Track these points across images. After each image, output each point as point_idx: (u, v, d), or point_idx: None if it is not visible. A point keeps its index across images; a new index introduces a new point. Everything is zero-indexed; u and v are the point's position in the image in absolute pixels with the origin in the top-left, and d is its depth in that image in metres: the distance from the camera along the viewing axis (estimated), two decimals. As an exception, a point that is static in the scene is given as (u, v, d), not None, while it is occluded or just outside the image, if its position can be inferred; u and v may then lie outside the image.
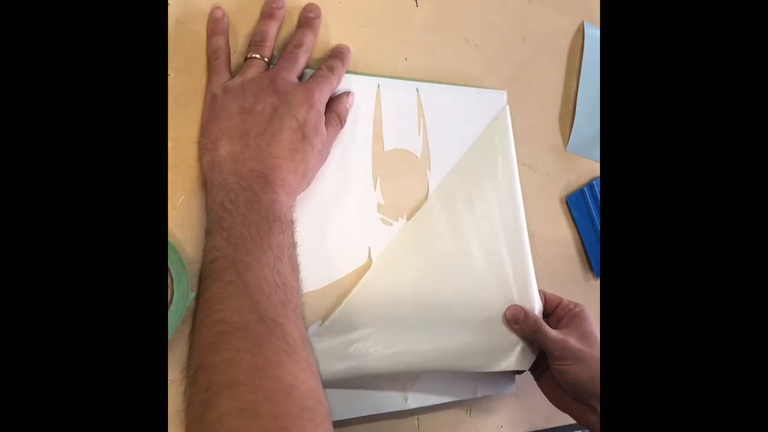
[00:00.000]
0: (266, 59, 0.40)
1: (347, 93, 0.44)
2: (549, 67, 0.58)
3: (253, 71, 0.39)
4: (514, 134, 0.53)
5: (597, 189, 0.58)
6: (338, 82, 0.43)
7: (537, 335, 0.45)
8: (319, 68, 0.42)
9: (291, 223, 0.37)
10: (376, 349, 0.43)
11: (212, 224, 0.35)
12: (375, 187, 0.46)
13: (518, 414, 0.53)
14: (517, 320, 0.46)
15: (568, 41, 0.60)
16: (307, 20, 0.43)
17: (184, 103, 0.41)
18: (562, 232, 0.57)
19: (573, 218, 0.57)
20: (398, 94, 0.48)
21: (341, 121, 0.43)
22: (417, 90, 0.49)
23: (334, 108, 0.42)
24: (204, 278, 0.34)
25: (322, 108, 0.41)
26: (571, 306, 0.48)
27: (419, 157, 0.48)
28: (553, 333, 0.45)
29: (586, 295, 0.58)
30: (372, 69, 0.49)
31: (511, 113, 0.53)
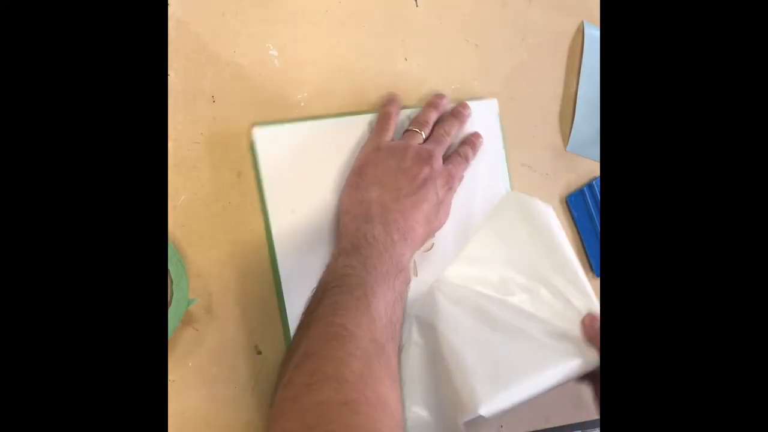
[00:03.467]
0: (424, 136, 0.46)
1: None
2: (549, 67, 0.58)
3: (414, 141, 0.45)
4: (513, 135, 0.53)
5: (597, 189, 0.58)
6: (468, 167, 0.49)
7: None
8: (457, 153, 0.48)
9: (409, 279, 0.41)
10: None
11: (351, 246, 0.39)
12: None
13: (518, 414, 0.53)
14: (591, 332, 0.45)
15: (568, 41, 0.60)
16: (458, 114, 0.49)
17: (184, 103, 0.41)
18: (562, 232, 0.57)
19: (573, 218, 0.57)
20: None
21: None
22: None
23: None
24: (332, 286, 0.37)
25: (455, 190, 0.47)
26: None
27: None
28: None
29: (586, 295, 0.58)
30: (372, 69, 0.49)
31: (510, 113, 0.53)
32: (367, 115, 0.47)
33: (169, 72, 0.40)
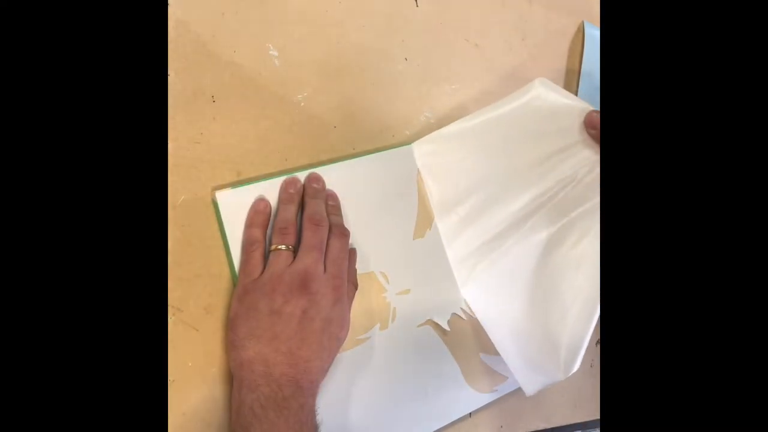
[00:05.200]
0: (291, 246, 0.40)
1: (354, 254, 0.44)
2: (549, 67, 0.58)
3: (281, 265, 0.39)
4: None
5: (597, 189, 0.58)
6: (348, 237, 0.43)
7: None
8: (331, 232, 0.42)
9: (316, 427, 0.38)
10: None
11: (240, 429, 0.36)
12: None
13: (518, 414, 0.53)
14: (594, 125, 0.42)
15: (568, 41, 0.60)
16: (313, 193, 0.43)
17: (184, 103, 0.41)
18: (562, 232, 0.57)
19: (573, 218, 0.57)
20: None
21: (356, 287, 0.44)
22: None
23: (349, 279, 0.43)
24: None
25: (346, 291, 0.41)
26: None
27: None
28: None
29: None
30: (372, 69, 0.49)
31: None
32: (323, 167, 0.45)
33: (169, 72, 0.40)
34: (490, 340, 0.50)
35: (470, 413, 0.49)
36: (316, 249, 0.40)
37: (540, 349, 0.45)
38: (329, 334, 0.39)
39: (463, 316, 0.49)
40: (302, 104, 0.45)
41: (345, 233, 0.42)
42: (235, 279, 0.40)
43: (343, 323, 0.41)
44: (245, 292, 0.39)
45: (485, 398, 0.49)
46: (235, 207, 0.41)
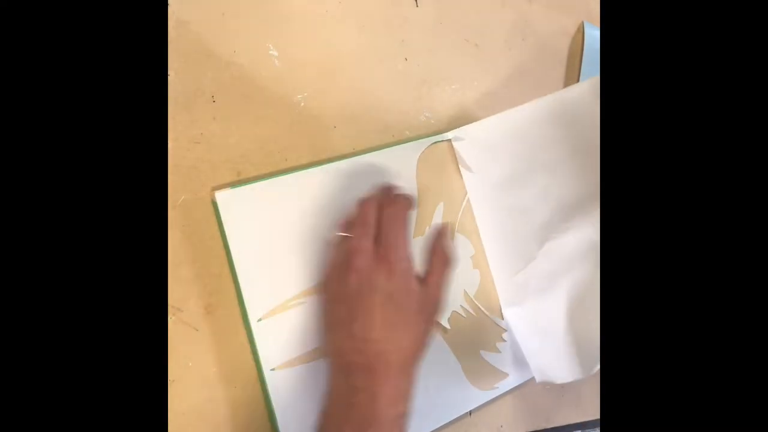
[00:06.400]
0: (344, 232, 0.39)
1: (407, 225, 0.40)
2: (549, 67, 0.58)
3: (344, 253, 0.38)
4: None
5: (597, 189, 0.58)
6: (412, 205, 0.40)
7: None
8: (392, 201, 0.39)
9: (393, 422, 0.34)
10: None
11: (335, 411, 0.35)
12: None
13: (518, 414, 0.53)
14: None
15: (568, 41, 0.60)
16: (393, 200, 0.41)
17: (184, 103, 0.41)
18: (562, 232, 0.57)
19: (573, 218, 0.57)
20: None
21: (450, 259, 0.40)
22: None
23: (404, 256, 0.38)
24: None
25: (406, 258, 0.37)
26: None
27: None
28: None
29: (586, 295, 0.58)
30: (372, 69, 0.49)
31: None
32: (323, 166, 0.45)
33: (169, 72, 0.40)
34: (490, 337, 0.50)
35: (470, 412, 0.49)
36: (357, 223, 0.38)
37: (570, 349, 0.47)
38: (394, 307, 0.35)
39: (463, 313, 0.49)
40: (302, 104, 0.45)
41: (407, 196, 0.40)
42: (235, 279, 0.40)
43: (409, 288, 0.37)
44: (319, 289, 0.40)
45: (486, 396, 0.49)
46: (235, 207, 0.41)
